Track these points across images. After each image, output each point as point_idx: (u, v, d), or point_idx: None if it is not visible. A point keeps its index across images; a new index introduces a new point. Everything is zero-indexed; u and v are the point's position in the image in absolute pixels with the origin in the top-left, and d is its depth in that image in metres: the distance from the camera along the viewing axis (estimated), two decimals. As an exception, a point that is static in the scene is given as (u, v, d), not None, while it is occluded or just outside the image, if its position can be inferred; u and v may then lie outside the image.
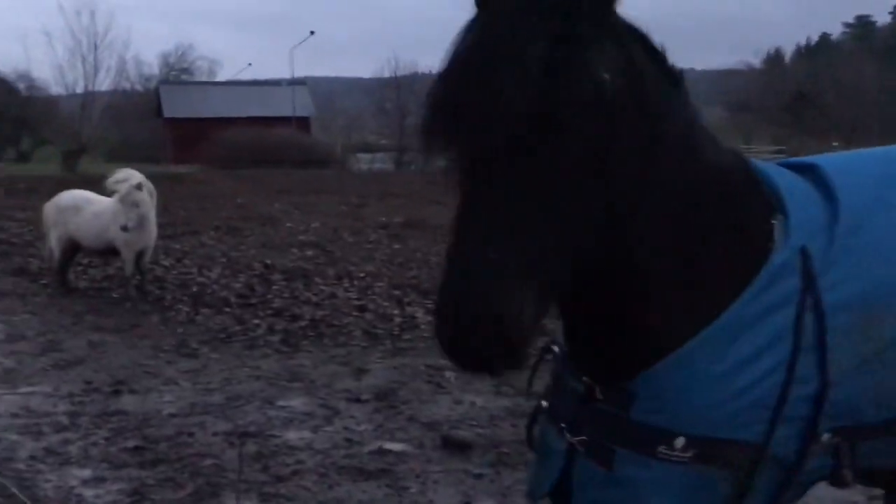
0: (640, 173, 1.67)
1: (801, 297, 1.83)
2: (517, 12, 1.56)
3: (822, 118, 64.97)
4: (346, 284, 9.70)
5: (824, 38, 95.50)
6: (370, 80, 64.57)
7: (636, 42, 1.72)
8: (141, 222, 8.92)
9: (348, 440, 5.06)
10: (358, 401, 5.78)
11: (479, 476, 4.52)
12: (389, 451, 4.85)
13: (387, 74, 57.52)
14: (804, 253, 1.86)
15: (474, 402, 5.71)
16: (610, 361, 1.87)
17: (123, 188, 8.93)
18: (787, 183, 1.98)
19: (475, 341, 1.49)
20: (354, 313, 8.30)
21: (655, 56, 1.77)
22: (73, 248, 9.60)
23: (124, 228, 8.81)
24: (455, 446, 4.90)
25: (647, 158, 1.68)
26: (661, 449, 1.83)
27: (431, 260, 11.43)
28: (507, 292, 1.48)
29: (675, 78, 1.81)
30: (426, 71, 58.21)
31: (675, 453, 1.83)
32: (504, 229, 1.50)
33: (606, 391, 1.87)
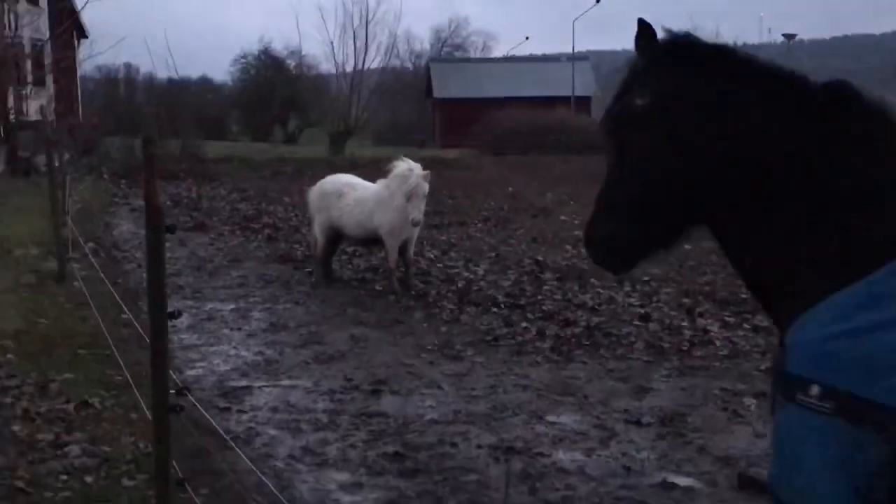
0: (725, 164, 2.49)
1: None
2: (627, 67, 2.71)
3: None
4: (628, 288, 9.57)
5: None
6: (662, 54, 63.38)
7: (692, 72, 2.57)
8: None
9: (626, 468, 4.97)
10: (638, 424, 5.67)
11: (783, 525, 4.26)
12: (675, 486, 4.70)
13: (681, 47, 56.20)
14: None
15: (779, 436, 5.42)
16: (776, 322, 2.49)
17: (412, 181, 9.27)
18: None
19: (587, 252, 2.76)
20: (636, 322, 8.16)
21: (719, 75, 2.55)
22: (336, 237, 10.17)
23: (415, 223, 9.33)
24: (756, 488, 4.65)
25: (734, 149, 2.47)
26: (799, 395, 2.27)
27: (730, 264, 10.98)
28: (595, 224, 2.65)
29: (757, 84, 2.51)
30: (729, 41, 56.32)
31: (812, 401, 2.23)
32: (604, 187, 2.66)
33: (778, 349, 2.38)
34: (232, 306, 9.05)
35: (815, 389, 2.23)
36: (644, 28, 2.63)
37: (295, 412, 5.90)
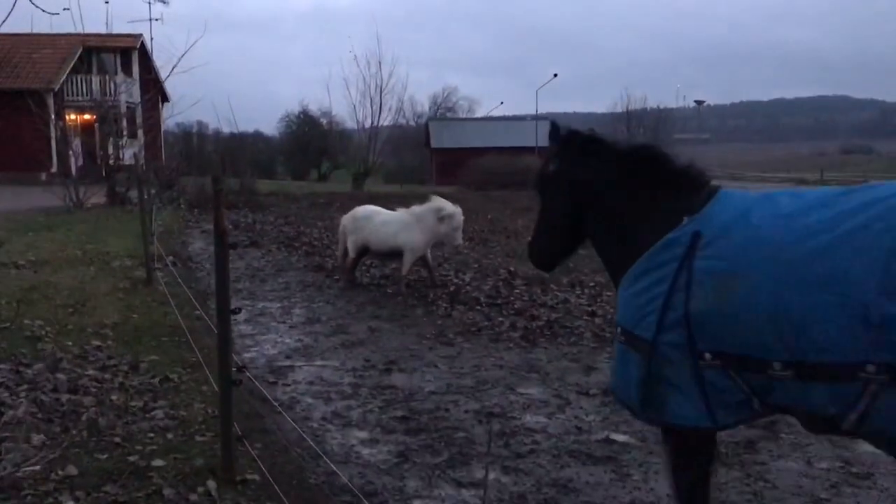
0: (585, 203, 3.25)
1: (682, 259, 2.79)
2: (547, 148, 3.52)
3: None
4: (578, 291, 9.56)
5: None
6: (604, 114, 63.67)
7: (582, 150, 3.31)
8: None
9: (578, 428, 4.96)
10: (587, 394, 5.66)
11: (697, 471, 4.25)
12: (615, 441, 4.70)
13: (619, 109, 56.51)
14: (695, 235, 2.80)
15: (693, 403, 5.41)
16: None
17: (458, 218, 9.60)
18: (733, 201, 2.89)
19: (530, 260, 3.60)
20: (585, 317, 8.15)
21: (598, 152, 3.28)
22: (364, 252, 10.15)
23: (458, 247, 10.40)
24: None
25: (586, 196, 3.24)
26: (616, 333, 2.99)
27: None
28: (532, 244, 3.56)
29: (603, 155, 3.25)
30: (655, 106, 56.62)
31: (618, 336, 2.96)
32: (536, 220, 3.54)
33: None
34: (278, 305, 9.01)
35: (619, 329, 2.95)
36: (553, 127, 3.47)
37: (326, 385, 5.88)
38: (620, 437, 4.76)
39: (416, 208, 9.79)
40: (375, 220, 9.94)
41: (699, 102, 57.47)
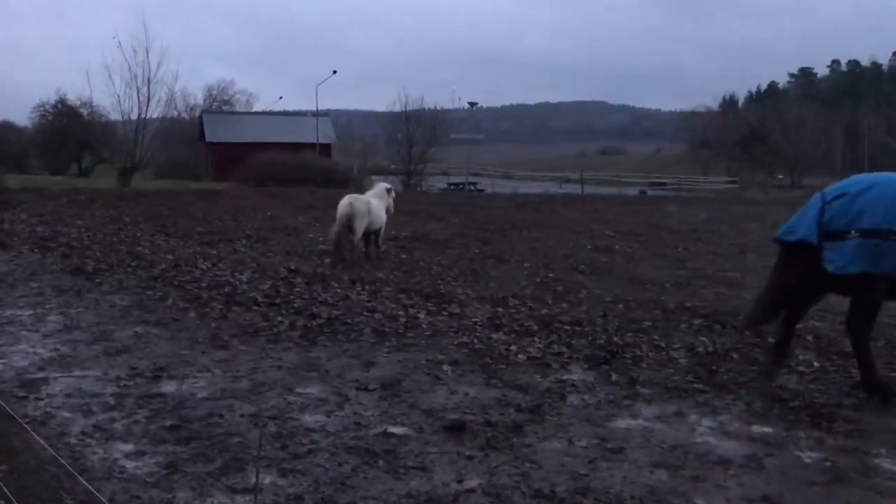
0: None
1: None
2: None
3: (770, 154, 65.39)
4: (359, 288, 9.62)
5: (772, 86, 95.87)
6: (383, 112, 64.48)
7: None
8: None
9: (357, 424, 4.98)
10: (366, 389, 5.69)
11: (470, 457, 4.43)
12: (393, 434, 4.77)
13: (398, 108, 57.38)
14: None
15: (468, 392, 5.63)
16: None
17: (391, 192, 12.77)
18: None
19: None
20: (365, 313, 8.21)
21: None
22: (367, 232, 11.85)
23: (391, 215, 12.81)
24: (450, 431, 4.82)
25: None
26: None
27: (433, 269, 11.35)
28: None
29: None
30: (431, 106, 58.34)
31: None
32: None
33: None
34: (30, 312, 8.18)
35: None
36: None
37: (86, 397, 5.42)
38: (398, 430, 4.83)
39: (374, 191, 12.72)
40: (374, 204, 11.80)
41: (472, 104, 59.87)
